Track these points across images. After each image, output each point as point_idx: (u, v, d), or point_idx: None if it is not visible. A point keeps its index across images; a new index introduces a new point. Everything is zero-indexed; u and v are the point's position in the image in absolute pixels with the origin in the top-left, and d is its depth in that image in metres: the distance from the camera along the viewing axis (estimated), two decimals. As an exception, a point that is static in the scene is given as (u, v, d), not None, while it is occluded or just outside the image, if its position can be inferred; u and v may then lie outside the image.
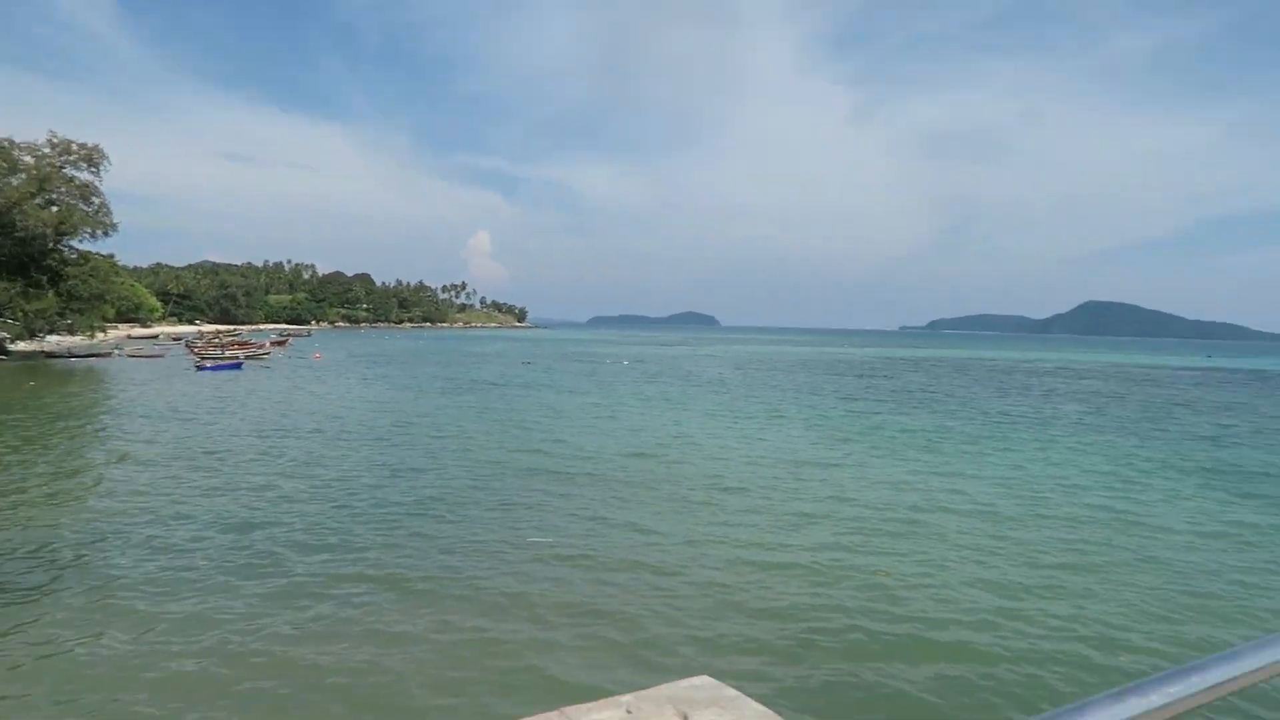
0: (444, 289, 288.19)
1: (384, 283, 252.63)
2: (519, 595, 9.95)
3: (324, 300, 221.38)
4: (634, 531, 12.94)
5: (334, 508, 14.24)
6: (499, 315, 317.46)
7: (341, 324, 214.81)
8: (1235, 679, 1.07)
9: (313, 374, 49.09)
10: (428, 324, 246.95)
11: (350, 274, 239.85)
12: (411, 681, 7.66)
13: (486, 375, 50.28)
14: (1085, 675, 8.03)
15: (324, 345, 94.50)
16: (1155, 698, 0.99)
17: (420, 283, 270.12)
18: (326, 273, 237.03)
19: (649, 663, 8.07)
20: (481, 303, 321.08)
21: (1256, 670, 1.08)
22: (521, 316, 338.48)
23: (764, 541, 12.49)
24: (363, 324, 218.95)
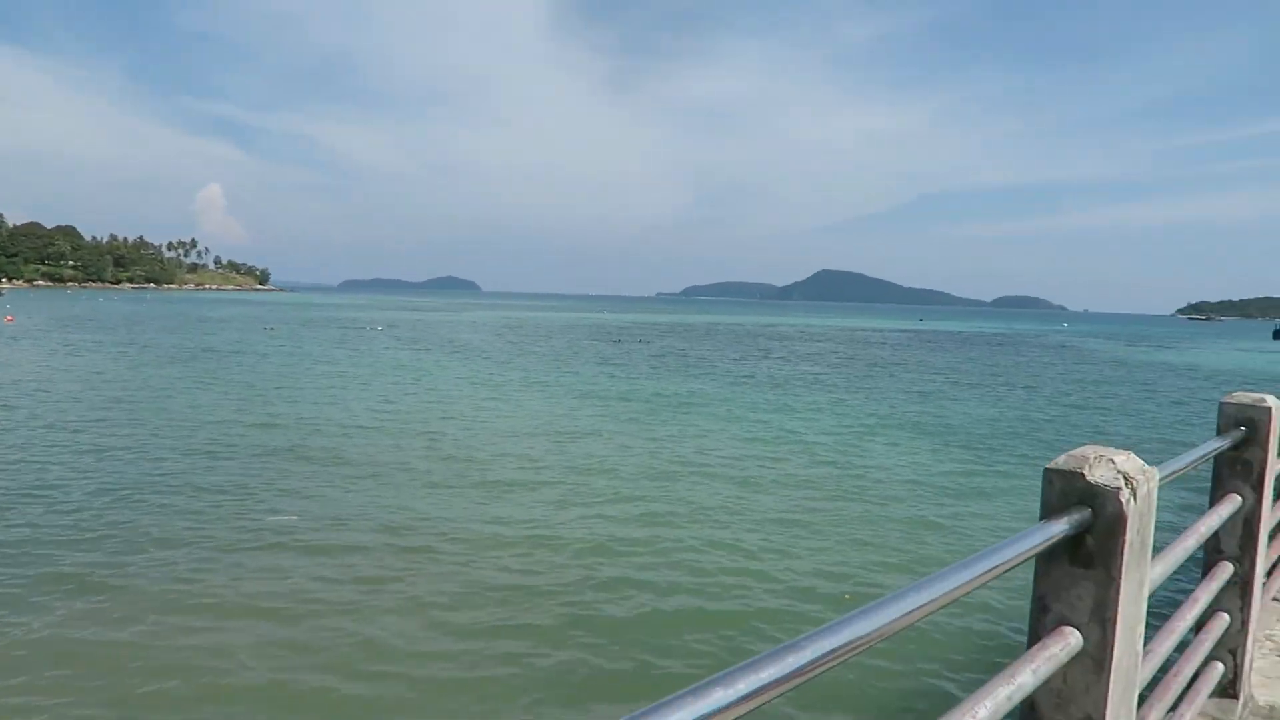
0: (169, 246, 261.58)
1: (95, 237, 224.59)
2: (244, 590, 9.03)
3: (16, 255, 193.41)
4: (382, 511, 12.23)
5: (20, 499, 12.27)
6: (237, 277, 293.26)
7: (42, 283, 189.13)
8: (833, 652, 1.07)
9: (1, 341, 42.63)
10: (152, 285, 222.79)
11: (50, 226, 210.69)
12: (99, 697, 6.69)
13: (220, 343, 46.03)
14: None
15: (19, 308, 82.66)
16: (742, 685, 0.93)
17: (140, 238, 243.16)
18: (20, 224, 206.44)
19: (389, 654, 7.59)
20: (216, 263, 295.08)
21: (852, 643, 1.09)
22: (264, 279, 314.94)
23: (517, 517, 12.22)
24: (69, 284, 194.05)
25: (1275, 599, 5.35)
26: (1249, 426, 3.60)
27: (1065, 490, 1.83)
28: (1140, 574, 1.91)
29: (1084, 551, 1.82)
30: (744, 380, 32.46)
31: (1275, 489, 4.16)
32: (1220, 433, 3.51)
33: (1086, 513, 1.79)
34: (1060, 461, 1.86)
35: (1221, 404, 3.62)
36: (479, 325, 75.87)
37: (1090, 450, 1.89)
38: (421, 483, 14.12)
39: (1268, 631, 4.91)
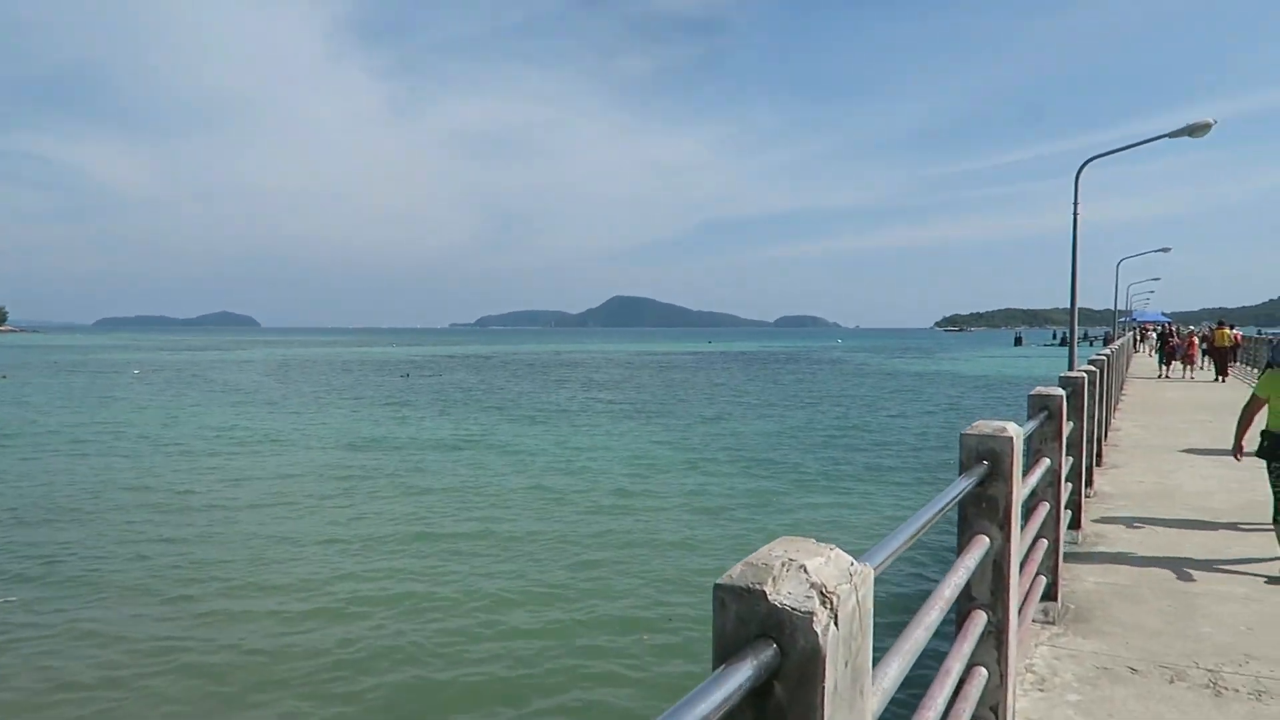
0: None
1: None
2: None
3: None
4: (106, 581, 9.92)
5: None
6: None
7: None
8: None
9: None
10: None
11: None
12: None
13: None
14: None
15: None
16: None
17: None
18: None
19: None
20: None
21: None
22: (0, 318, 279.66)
23: (271, 582, 10.31)
24: None
25: (1034, 620, 5.32)
26: (991, 460, 3.17)
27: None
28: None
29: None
30: (533, 411, 31.10)
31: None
32: (963, 468, 3.14)
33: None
34: (735, 574, 1.24)
35: (962, 436, 3.23)
36: (251, 364, 69.63)
37: (777, 550, 1.28)
38: (156, 551, 11.79)
39: (1028, 662, 4.67)
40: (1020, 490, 3.47)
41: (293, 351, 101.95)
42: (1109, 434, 11.66)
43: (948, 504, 2.73)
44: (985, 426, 3.25)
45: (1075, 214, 15.09)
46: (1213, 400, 18.19)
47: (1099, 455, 9.47)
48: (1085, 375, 6.61)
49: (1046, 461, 4.92)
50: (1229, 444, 11.58)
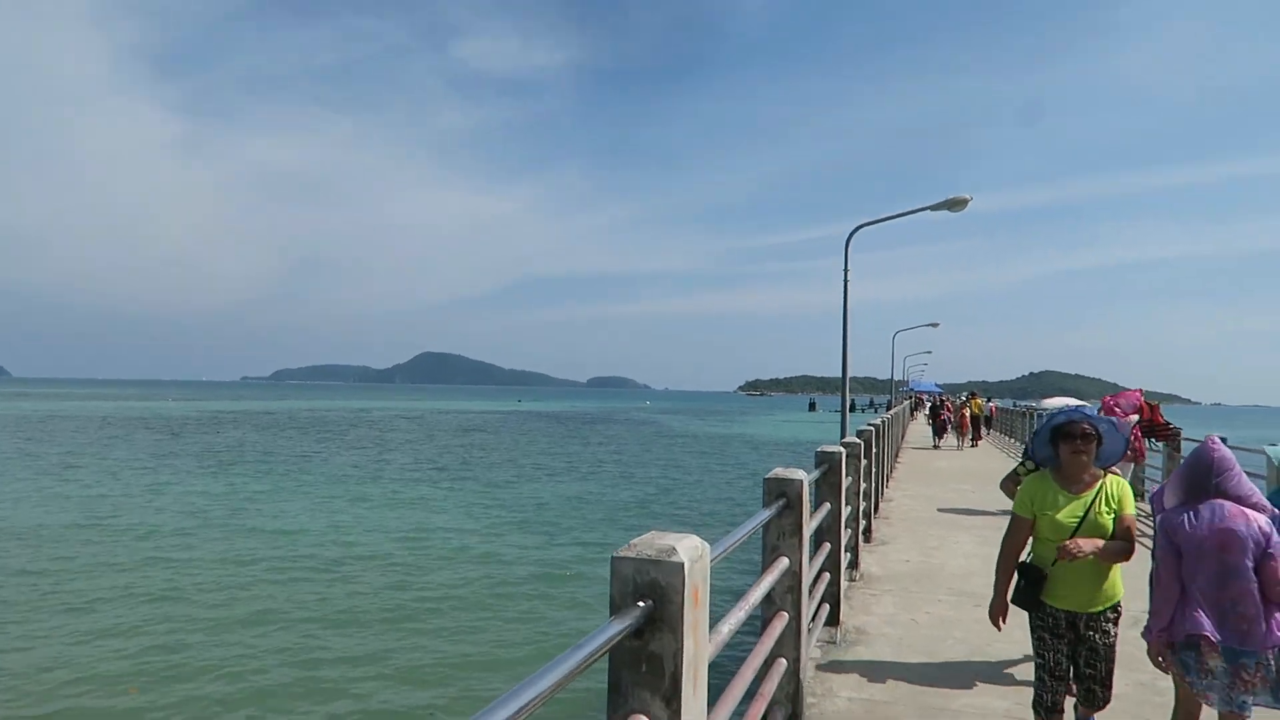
0: None
1: None
2: None
3: None
4: None
5: None
6: None
7: None
8: None
9: None
10: None
11: None
12: None
13: None
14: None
15: None
16: None
17: None
18: None
19: None
20: None
21: None
22: None
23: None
24: None
25: (849, 580, 6.00)
26: (787, 496, 3.94)
27: (631, 580, 1.93)
28: (701, 648, 2.04)
29: (652, 638, 1.94)
30: (315, 475, 29.79)
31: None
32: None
33: (649, 603, 1.92)
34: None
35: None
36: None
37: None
38: None
39: (814, 659, 5.57)
40: (809, 524, 4.45)
41: (42, 405, 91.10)
42: (880, 506, 12.31)
43: (758, 523, 3.49)
44: (782, 472, 4.14)
45: (845, 278, 16.71)
46: (976, 468, 20.27)
47: (868, 531, 9.88)
48: (841, 450, 5.98)
49: (828, 506, 5.81)
50: (986, 513, 13.04)
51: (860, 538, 8.77)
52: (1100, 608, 3.84)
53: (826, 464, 5.82)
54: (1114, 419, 4.01)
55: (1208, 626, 3.33)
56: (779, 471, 3.94)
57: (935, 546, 9.70)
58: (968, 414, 28.28)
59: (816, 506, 5.73)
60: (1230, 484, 3.46)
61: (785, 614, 3.87)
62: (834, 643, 5.86)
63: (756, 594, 3.15)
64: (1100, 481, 3.89)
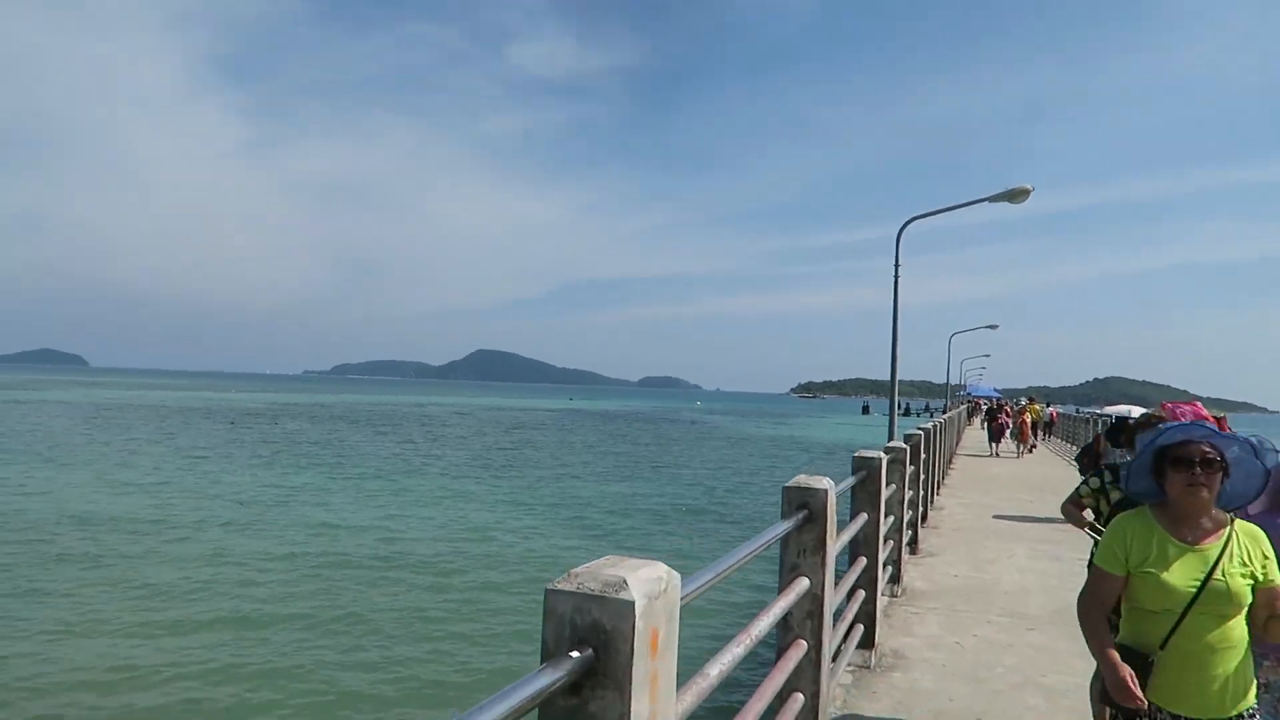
0: None
1: None
2: None
3: None
4: None
5: None
6: None
7: None
8: None
9: None
10: None
11: None
12: None
13: None
14: None
15: None
16: None
17: None
18: None
19: None
20: None
21: None
22: None
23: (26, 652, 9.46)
24: None
25: (852, 664, 5.61)
26: (809, 508, 3.50)
27: (794, 498, 1.77)
28: (833, 548, 1.85)
29: (591, 696, 1.45)
30: (363, 467, 29.94)
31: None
32: (784, 516, 3.42)
33: (805, 511, 1.78)
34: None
35: (785, 489, 3.57)
36: (69, 408, 64.30)
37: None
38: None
39: (844, 685, 5.07)
40: (837, 538, 3.90)
41: (120, 394, 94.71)
42: (929, 514, 11.66)
43: (774, 537, 3.05)
44: (804, 480, 3.60)
45: (896, 272, 15.99)
46: (1033, 475, 19.45)
47: (914, 542, 9.34)
48: (882, 457, 5.57)
49: (864, 516, 5.30)
50: (1046, 527, 12.23)
51: (905, 549, 8.23)
52: (1237, 710, 2.69)
53: (865, 470, 5.34)
54: (1254, 438, 2.85)
55: None
56: (801, 479, 3.48)
57: (988, 560, 9.09)
58: (1028, 419, 27.15)
59: (852, 516, 5.26)
60: None
61: (803, 642, 3.39)
62: (868, 667, 5.34)
63: (763, 624, 2.70)
64: (1228, 529, 2.75)
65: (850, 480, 5.05)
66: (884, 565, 7.02)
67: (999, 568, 8.69)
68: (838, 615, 4.72)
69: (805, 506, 3.45)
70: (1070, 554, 9.72)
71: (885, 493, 6.53)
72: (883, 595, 7.12)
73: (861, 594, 5.36)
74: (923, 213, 15.79)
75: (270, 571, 13.42)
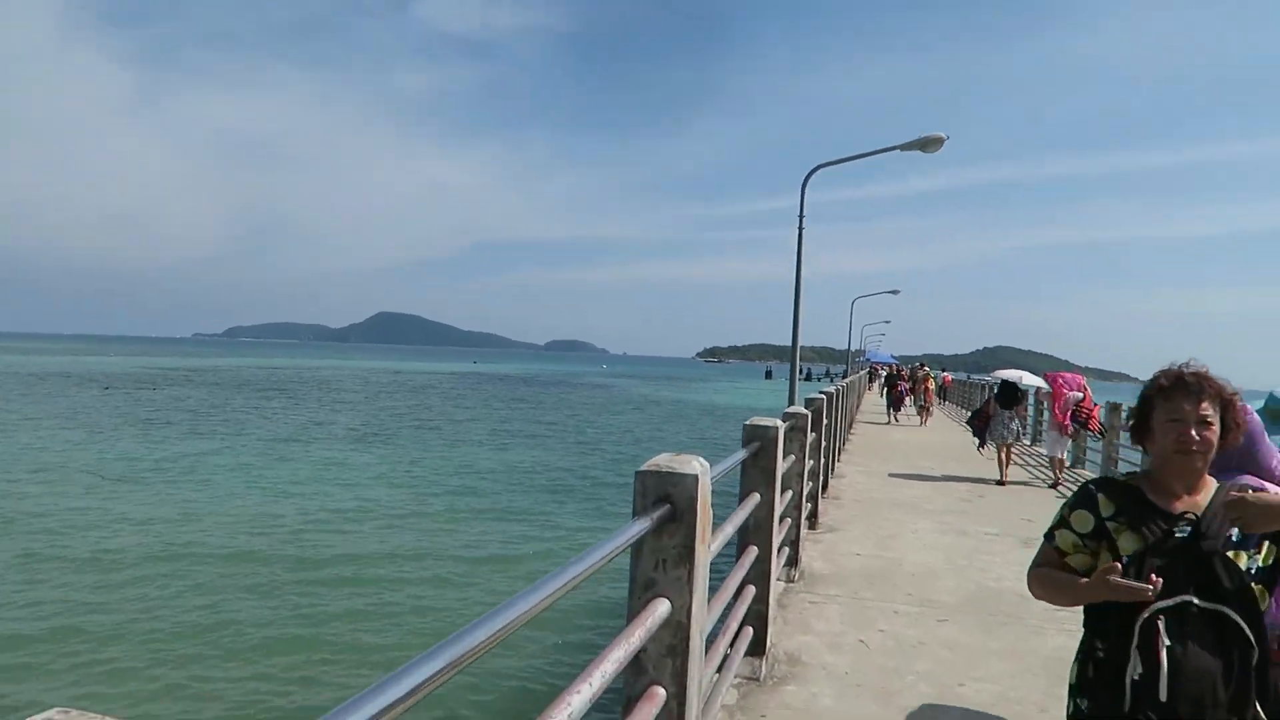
0: None
1: None
2: None
3: None
4: None
5: None
6: None
7: None
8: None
9: None
10: None
11: None
12: None
13: None
14: None
15: None
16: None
17: None
18: None
19: None
20: None
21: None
22: None
23: None
24: None
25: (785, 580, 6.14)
26: (672, 502, 2.62)
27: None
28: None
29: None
30: (251, 435, 28.02)
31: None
32: (637, 513, 2.86)
33: (666, 507, 2.30)
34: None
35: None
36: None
37: (665, 457, 2.48)
38: None
39: (726, 706, 4.17)
40: (709, 541, 2.76)
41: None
42: (829, 483, 10.95)
43: (739, 460, 3.57)
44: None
45: (800, 224, 15.33)
46: (935, 442, 19.15)
47: (815, 515, 8.64)
48: (777, 426, 4.45)
49: (756, 497, 4.42)
50: (949, 496, 11.59)
51: (804, 525, 7.44)
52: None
53: (758, 442, 4.39)
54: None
55: None
56: (662, 461, 2.48)
57: (891, 535, 8.36)
58: (932, 385, 26.59)
59: (742, 498, 4.33)
60: (1257, 454, 2.92)
61: (660, 690, 2.40)
62: (757, 679, 4.39)
63: (605, 667, 1.77)
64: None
65: (740, 454, 4.10)
66: (779, 548, 6.16)
67: (903, 544, 7.96)
68: (722, 619, 3.82)
69: (667, 500, 2.44)
70: (976, 527, 9.12)
71: (783, 466, 5.63)
72: (778, 581, 6.27)
73: (751, 590, 4.43)
74: (830, 160, 15.11)
75: (103, 564, 11.83)
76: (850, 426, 21.12)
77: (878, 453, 16.13)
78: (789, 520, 6.27)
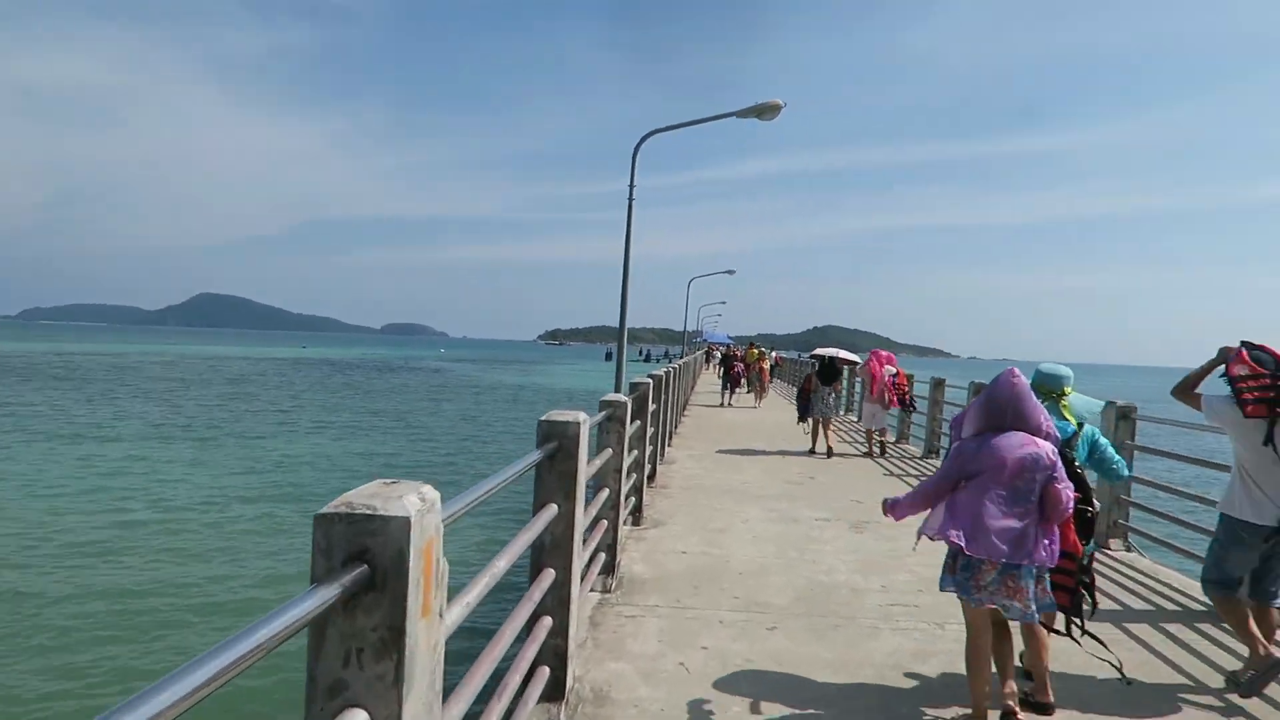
0: None
1: None
2: None
3: None
4: None
5: None
6: None
7: None
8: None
9: None
10: None
11: None
12: None
13: None
14: None
15: None
16: None
17: None
18: None
19: None
20: None
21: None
22: None
23: None
24: None
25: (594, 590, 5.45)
26: (561, 439, 3.48)
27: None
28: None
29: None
30: (23, 432, 24.87)
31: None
32: (540, 447, 3.46)
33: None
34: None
35: (540, 422, 3.66)
36: None
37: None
38: None
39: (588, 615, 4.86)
40: (585, 471, 3.83)
41: None
42: (657, 473, 10.29)
43: (522, 469, 3.04)
44: (558, 415, 3.63)
45: (631, 194, 14.78)
46: (769, 423, 19.04)
47: (639, 510, 7.93)
48: (579, 421, 3.74)
49: (609, 451, 5.27)
50: (780, 479, 11.21)
51: (624, 525, 6.82)
52: None
53: (554, 442, 3.65)
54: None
55: (998, 551, 3.49)
56: (357, 498, 1.69)
57: (720, 528, 7.84)
58: (767, 366, 26.63)
59: (536, 511, 3.59)
60: (1027, 412, 3.65)
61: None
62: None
63: (519, 544, 2.23)
64: None
65: (532, 458, 3.36)
66: (594, 555, 5.48)
67: (732, 538, 7.47)
68: (511, 657, 3.10)
69: (559, 438, 3.53)
70: (807, 512, 8.80)
71: (596, 464, 4.92)
72: (592, 592, 5.60)
73: (547, 623, 3.69)
74: (664, 126, 14.59)
75: None
76: (684, 409, 20.87)
77: (711, 436, 15.82)
78: (604, 522, 5.59)
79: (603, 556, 5.61)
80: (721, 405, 24.04)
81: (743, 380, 26.50)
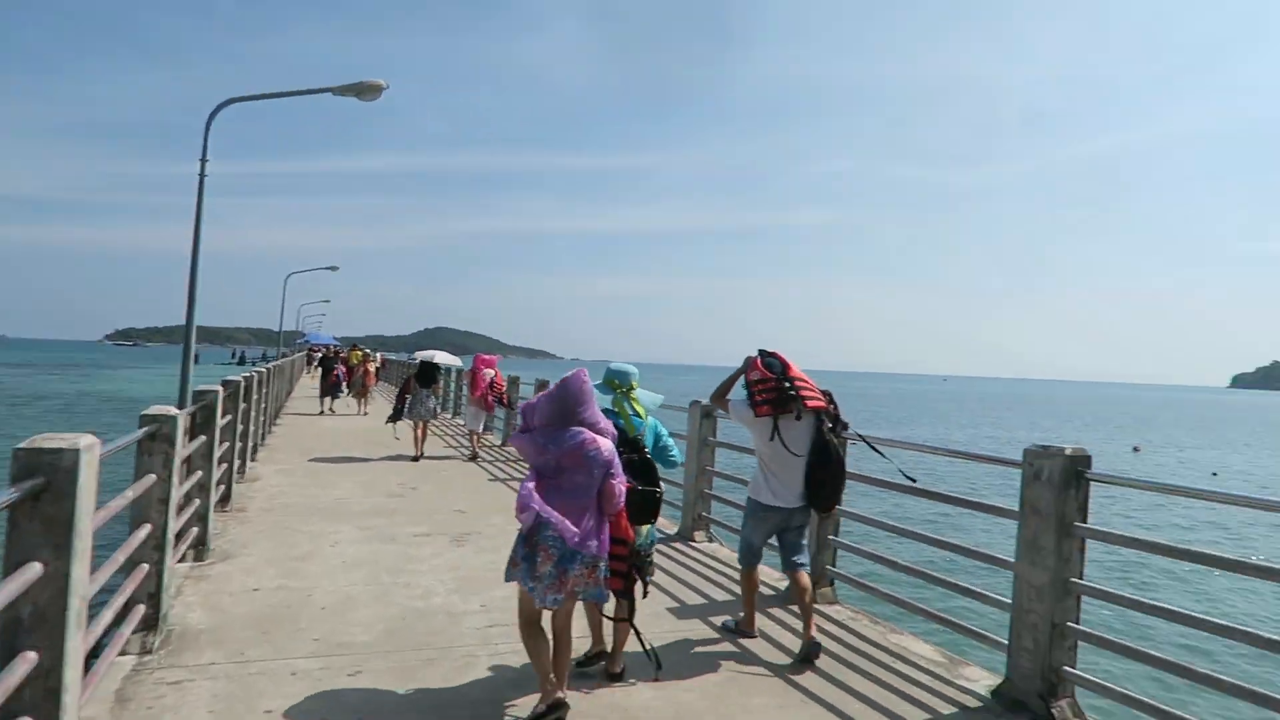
0: None
1: None
2: None
3: None
4: None
5: None
6: None
7: None
8: None
9: None
10: None
11: None
12: None
13: None
14: None
15: None
16: None
17: None
18: None
19: None
20: None
21: None
22: None
23: None
24: None
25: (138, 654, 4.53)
26: (51, 477, 2.78)
27: (29, 462, 2.59)
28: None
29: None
30: None
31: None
32: (14, 485, 2.77)
33: (41, 480, 2.55)
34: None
35: (16, 451, 2.81)
36: None
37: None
38: None
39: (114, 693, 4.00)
40: (91, 514, 2.99)
41: None
42: (232, 494, 8.94)
43: (132, 439, 3.82)
44: (47, 440, 2.85)
45: (203, 168, 13.20)
46: (369, 429, 18.24)
47: (203, 542, 6.77)
48: (77, 451, 2.85)
49: (151, 478, 4.40)
50: (379, 492, 10.21)
51: (172, 568, 5.73)
52: None
53: (39, 479, 2.70)
54: None
55: (570, 537, 3.68)
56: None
57: (304, 555, 6.92)
58: (372, 368, 25.23)
59: (11, 569, 2.63)
60: (589, 412, 3.87)
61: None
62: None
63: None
64: None
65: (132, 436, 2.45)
66: (126, 612, 4.41)
67: (318, 566, 6.62)
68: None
69: (47, 472, 2.75)
70: (405, 528, 8.19)
71: (115, 504, 3.89)
72: (124, 655, 4.51)
73: (145, 569, 2.74)
74: (244, 95, 13.06)
75: None
76: (277, 417, 19.09)
77: (304, 446, 14.50)
78: (145, 567, 4.53)
79: (141, 609, 4.54)
80: (321, 413, 22.35)
81: (345, 385, 24.65)
